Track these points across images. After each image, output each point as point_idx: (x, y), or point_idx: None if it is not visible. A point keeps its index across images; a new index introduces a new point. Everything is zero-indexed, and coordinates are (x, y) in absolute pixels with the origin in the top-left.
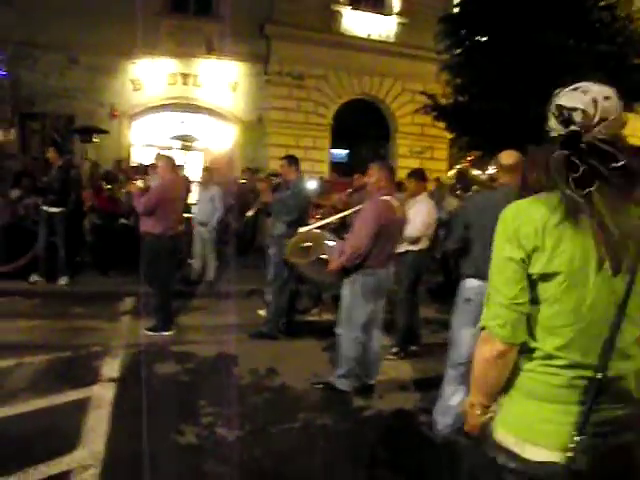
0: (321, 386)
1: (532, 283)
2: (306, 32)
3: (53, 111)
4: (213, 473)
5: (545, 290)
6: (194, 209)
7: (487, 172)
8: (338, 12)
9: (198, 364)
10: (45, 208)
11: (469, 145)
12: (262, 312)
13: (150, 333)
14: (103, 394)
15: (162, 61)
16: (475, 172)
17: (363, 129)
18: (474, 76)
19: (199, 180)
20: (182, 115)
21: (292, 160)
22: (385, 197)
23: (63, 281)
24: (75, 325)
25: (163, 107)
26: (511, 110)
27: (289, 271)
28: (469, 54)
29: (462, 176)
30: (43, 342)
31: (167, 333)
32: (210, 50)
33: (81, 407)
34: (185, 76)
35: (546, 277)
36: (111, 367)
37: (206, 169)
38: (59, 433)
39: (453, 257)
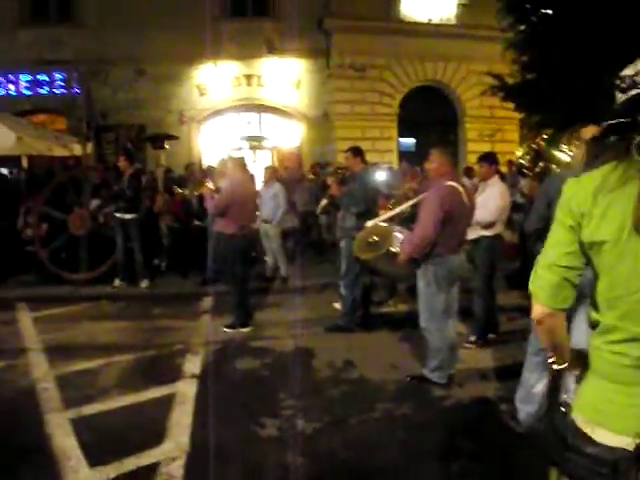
0: (415, 381)
1: (587, 253)
2: (365, 22)
3: (125, 122)
4: (294, 464)
5: (599, 260)
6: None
7: (561, 149)
8: None
9: (276, 358)
10: (119, 215)
11: (540, 124)
12: (337, 305)
13: (229, 330)
14: (186, 390)
15: (225, 65)
16: (555, 150)
17: (430, 116)
18: (541, 52)
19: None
20: (248, 116)
21: (357, 151)
22: (449, 182)
23: (144, 284)
24: (157, 325)
25: (229, 109)
26: (583, 85)
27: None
28: (535, 29)
29: (538, 155)
30: (129, 342)
31: (245, 329)
32: (271, 50)
33: (166, 402)
34: (248, 77)
35: (595, 245)
36: (193, 364)
37: (268, 167)
38: (147, 427)
39: (533, 239)
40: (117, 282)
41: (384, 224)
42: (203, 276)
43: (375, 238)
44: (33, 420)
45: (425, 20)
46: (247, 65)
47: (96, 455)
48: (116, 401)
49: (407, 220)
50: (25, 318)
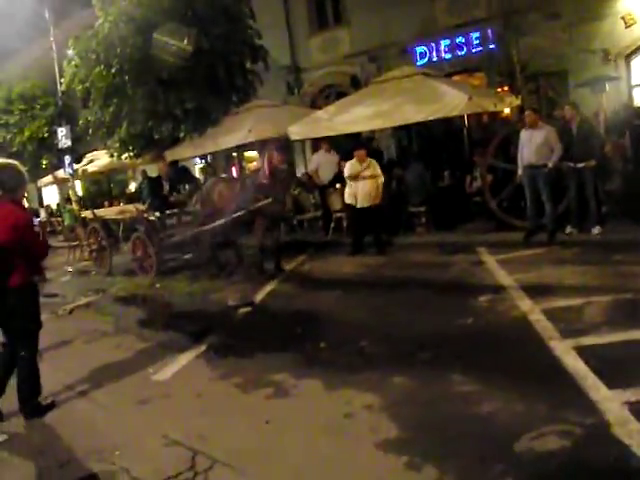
0: None
1: None
2: None
3: (545, 70)
4: None
5: None
6: None
7: None
8: None
9: None
10: (571, 164)
11: None
12: None
13: None
14: None
15: None
16: None
17: None
18: None
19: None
20: None
21: None
22: None
23: (596, 230)
24: (622, 270)
25: None
26: None
27: None
28: None
29: None
30: (599, 284)
31: None
32: None
33: None
34: None
35: None
36: None
37: None
38: None
39: None
40: (569, 229)
41: None
42: None
43: None
44: (537, 345)
45: None
46: None
47: (610, 379)
48: (611, 336)
49: None
50: (490, 260)
